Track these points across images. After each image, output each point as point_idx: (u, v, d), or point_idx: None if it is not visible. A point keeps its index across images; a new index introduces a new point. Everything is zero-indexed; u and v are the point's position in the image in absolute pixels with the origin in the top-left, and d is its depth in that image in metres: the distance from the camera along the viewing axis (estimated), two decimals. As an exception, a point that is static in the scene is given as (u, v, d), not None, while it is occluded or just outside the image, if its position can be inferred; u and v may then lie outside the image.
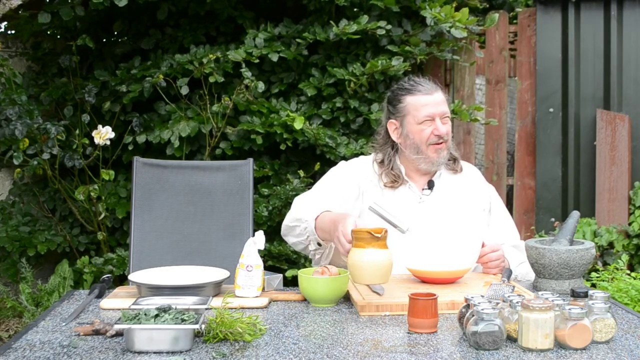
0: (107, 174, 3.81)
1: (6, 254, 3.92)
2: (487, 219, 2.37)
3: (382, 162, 2.35)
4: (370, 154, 2.45)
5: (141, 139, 3.89)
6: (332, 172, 2.41)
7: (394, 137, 2.33)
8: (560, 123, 4.37)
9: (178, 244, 2.53)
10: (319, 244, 2.18)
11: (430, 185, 2.33)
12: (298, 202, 2.31)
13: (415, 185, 2.33)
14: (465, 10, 3.75)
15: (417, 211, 2.27)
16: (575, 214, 2.07)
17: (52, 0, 3.89)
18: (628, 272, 3.34)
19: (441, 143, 2.26)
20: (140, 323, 1.45)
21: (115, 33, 4.25)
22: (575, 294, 1.61)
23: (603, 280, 3.33)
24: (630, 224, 4.05)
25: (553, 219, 4.29)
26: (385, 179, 2.31)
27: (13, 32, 4.32)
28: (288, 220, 2.26)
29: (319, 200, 2.23)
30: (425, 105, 2.25)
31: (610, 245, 4.00)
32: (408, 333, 1.58)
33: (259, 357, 1.41)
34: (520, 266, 2.24)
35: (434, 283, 2.00)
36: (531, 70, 4.41)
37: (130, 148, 3.94)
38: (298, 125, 3.61)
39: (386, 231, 1.85)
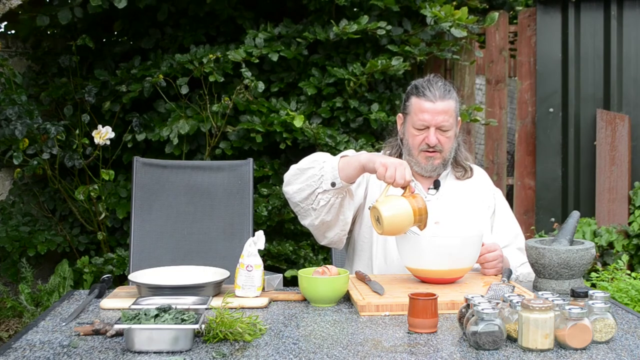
0: (107, 174, 3.80)
1: (6, 254, 3.91)
2: (491, 222, 2.36)
3: (390, 154, 2.33)
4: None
5: (141, 137, 3.90)
6: None
7: (399, 130, 2.34)
8: (560, 123, 4.37)
9: (178, 244, 2.53)
10: (333, 185, 2.04)
11: (436, 185, 2.33)
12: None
13: (421, 184, 2.32)
14: (465, 8, 3.76)
15: None
16: (575, 214, 2.07)
17: (52, 0, 3.89)
18: (628, 272, 3.34)
19: (433, 152, 2.25)
20: (140, 323, 1.45)
21: (115, 33, 4.25)
22: (575, 294, 1.61)
23: (603, 280, 3.33)
24: (630, 224, 4.05)
25: (553, 219, 4.29)
26: None
27: (13, 32, 4.31)
28: (301, 164, 2.11)
29: None
30: (424, 112, 2.21)
31: (610, 245, 3.99)
32: (408, 333, 1.58)
33: (259, 357, 1.41)
34: (522, 266, 2.23)
35: (434, 283, 2.00)
36: (531, 70, 4.41)
37: (129, 146, 3.94)
38: (298, 123, 3.61)
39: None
